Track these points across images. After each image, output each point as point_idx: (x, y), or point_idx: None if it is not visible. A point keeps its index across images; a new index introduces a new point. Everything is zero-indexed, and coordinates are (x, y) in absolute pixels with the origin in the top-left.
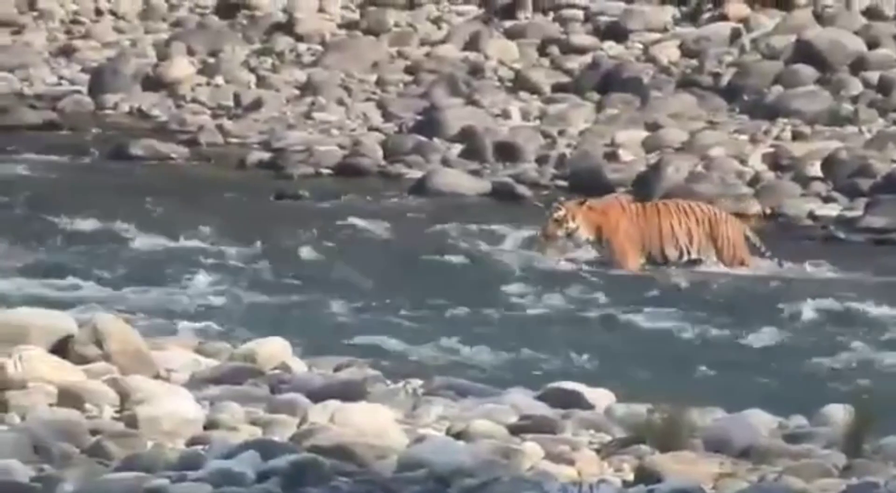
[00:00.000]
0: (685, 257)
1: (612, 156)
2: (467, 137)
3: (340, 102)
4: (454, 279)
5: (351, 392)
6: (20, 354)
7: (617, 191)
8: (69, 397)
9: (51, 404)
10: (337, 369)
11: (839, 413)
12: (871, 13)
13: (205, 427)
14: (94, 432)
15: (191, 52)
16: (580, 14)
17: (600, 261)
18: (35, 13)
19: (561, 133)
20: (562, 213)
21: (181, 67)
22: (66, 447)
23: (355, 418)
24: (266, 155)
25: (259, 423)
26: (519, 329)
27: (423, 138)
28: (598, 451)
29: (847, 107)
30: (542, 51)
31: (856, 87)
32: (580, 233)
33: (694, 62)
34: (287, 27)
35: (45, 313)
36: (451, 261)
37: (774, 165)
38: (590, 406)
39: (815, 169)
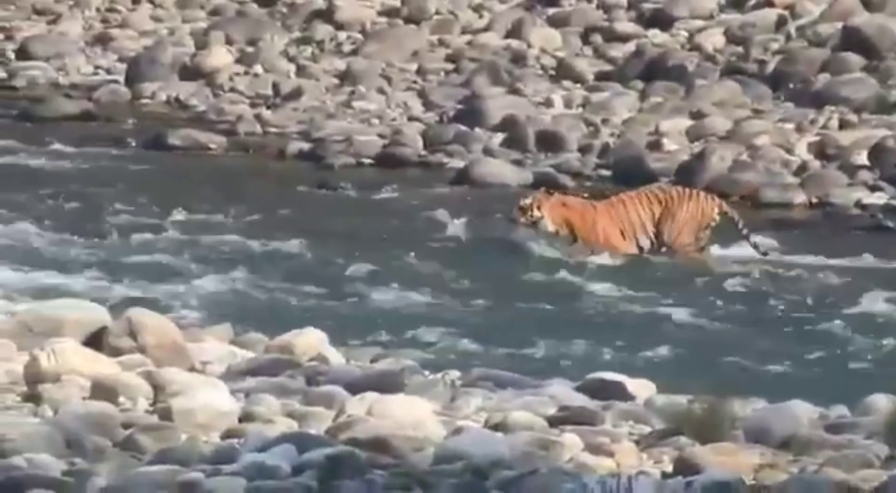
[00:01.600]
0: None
1: (655, 145)
2: (509, 126)
3: (381, 91)
4: (495, 270)
5: (388, 384)
6: (53, 346)
7: (660, 180)
8: (102, 390)
9: (84, 398)
10: (374, 361)
11: (881, 403)
12: None
13: (240, 420)
14: (127, 425)
15: (229, 41)
16: (624, 1)
17: (644, 253)
18: (71, 2)
19: (604, 122)
20: (528, 201)
21: (219, 56)
22: (98, 441)
23: (392, 410)
24: (305, 145)
25: (295, 415)
26: (559, 320)
27: (464, 128)
28: (637, 442)
29: (895, 94)
30: (586, 39)
31: None
32: (545, 223)
33: (739, 50)
34: (327, 15)
35: (80, 304)
36: (491, 252)
37: (821, 154)
38: (630, 397)
39: (862, 158)
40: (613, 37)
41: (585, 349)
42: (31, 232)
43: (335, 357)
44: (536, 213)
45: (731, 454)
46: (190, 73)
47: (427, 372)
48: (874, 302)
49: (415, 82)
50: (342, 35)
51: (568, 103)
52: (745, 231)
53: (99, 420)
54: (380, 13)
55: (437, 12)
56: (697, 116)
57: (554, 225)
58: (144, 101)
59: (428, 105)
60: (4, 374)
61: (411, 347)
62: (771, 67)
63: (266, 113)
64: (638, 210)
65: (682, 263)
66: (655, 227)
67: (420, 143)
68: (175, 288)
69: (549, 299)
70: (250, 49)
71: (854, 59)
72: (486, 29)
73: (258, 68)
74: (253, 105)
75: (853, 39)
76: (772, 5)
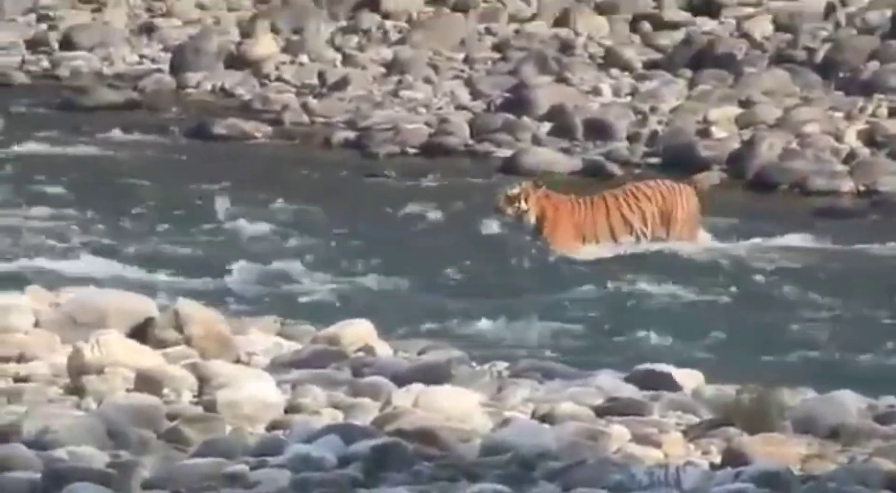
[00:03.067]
0: (642, 241)
1: (704, 133)
2: (557, 114)
3: (427, 80)
4: (542, 260)
5: (435, 375)
6: (97, 338)
7: (710, 168)
8: (147, 382)
9: (128, 390)
10: (421, 352)
11: None
12: None
13: (286, 411)
14: (171, 417)
15: (275, 30)
16: None
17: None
18: None
19: (652, 110)
20: (516, 191)
21: (265, 45)
22: (142, 433)
23: (439, 401)
24: (352, 134)
25: (341, 407)
26: (607, 311)
27: (511, 116)
28: (685, 433)
29: None
30: (634, 27)
31: None
32: (529, 216)
33: (788, 37)
34: (373, 4)
35: (125, 295)
36: (534, 242)
37: (870, 142)
38: (678, 388)
39: None
40: (662, 25)
41: (633, 340)
42: (74, 222)
43: (382, 348)
44: (524, 205)
45: (780, 444)
46: (235, 62)
47: (474, 363)
48: None
49: (462, 71)
50: (389, 24)
51: (616, 92)
52: None
53: (143, 412)
54: (426, 2)
55: (485, 0)
56: (746, 104)
57: (535, 219)
58: (189, 90)
59: (475, 94)
60: (48, 366)
61: (458, 337)
62: (820, 55)
63: (312, 102)
64: (621, 210)
65: (724, 254)
66: (651, 225)
67: (467, 132)
68: (221, 279)
69: (595, 288)
70: (296, 38)
71: None
72: (534, 17)
73: (304, 57)
74: (299, 94)
75: None
76: None
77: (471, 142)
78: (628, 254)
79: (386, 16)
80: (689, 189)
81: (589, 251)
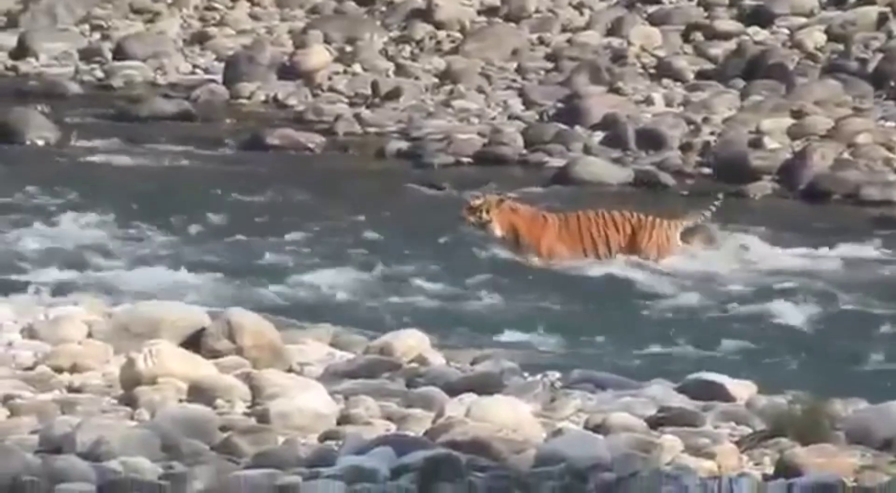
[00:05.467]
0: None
1: (756, 143)
2: (609, 124)
3: (480, 90)
4: (595, 272)
5: (488, 385)
6: (150, 348)
7: (762, 179)
8: (199, 393)
9: (181, 400)
10: (474, 362)
11: None
12: None
13: (338, 422)
14: (224, 428)
15: (328, 40)
16: None
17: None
18: (169, 0)
19: (705, 120)
20: (479, 202)
21: (318, 56)
22: (195, 444)
23: (492, 411)
24: (405, 144)
25: (394, 418)
26: (659, 322)
27: (564, 126)
28: (738, 444)
29: None
30: (686, 37)
31: None
32: (492, 227)
33: (840, 47)
34: (426, 14)
35: (178, 306)
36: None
37: None
38: (731, 398)
39: None
40: (714, 35)
41: (685, 351)
42: (127, 232)
43: (435, 359)
44: (486, 216)
45: (832, 455)
46: (288, 72)
47: (526, 374)
48: None
49: (514, 81)
50: (441, 34)
51: (668, 102)
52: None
53: (196, 423)
54: (479, 12)
55: (537, 11)
56: (798, 114)
57: (501, 230)
58: (242, 100)
59: (528, 104)
60: (101, 376)
61: (511, 348)
62: (872, 66)
63: (365, 112)
64: (591, 230)
65: (778, 264)
66: (617, 251)
67: (520, 141)
68: (274, 289)
69: (648, 299)
70: (349, 48)
71: None
72: (586, 27)
73: (357, 67)
74: (352, 104)
75: None
76: (873, 3)
77: (524, 152)
78: (679, 264)
79: (438, 26)
80: (667, 223)
81: (574, 263)
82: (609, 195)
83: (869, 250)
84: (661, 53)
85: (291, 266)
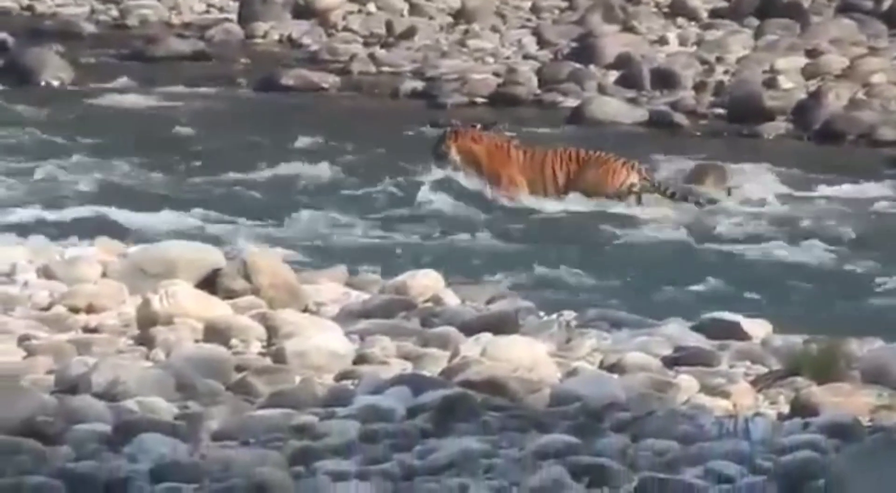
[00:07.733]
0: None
1: (771, 83)
2: (623, 64)
3: (495, 30)
4: (609, 211)
5: (503, 325)
6: (166, 289)
7: (776, 119)
8: (215, 333)
9: (196, 340)
10: (489, 302)
11: None
12: None
13: (354, 362)
14: (240, 368)
15: None
16: None
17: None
18: None
19: (719, 60)
20: (442, 132)
21: None
22: (211, 384)
23: (507, 351)
24: (419, 84)
25: (410, 357)
26: (675, 261)
27: (578, 66)
28: (753, 383)
29: None
30: None
31: None
32: (452, 155)
33: None
34: None
35: (193, 246)
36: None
37: None
38: (746, 337)
39: None
40: None
41: (701, 290)
42: (142, 172)
43: (451, 298)
44: (445, 145)
45: (848, 394)
46: (303, 11)
47: (542, 313)
48: None
49: (529, 20)
50: None
51: (682, 41)
52: (674, 194)
53: (211, 363)
54: None
55: None
56: (813, 54)
57: (461, 160)
58: (257, 40)
59: (542, 43)
60: (117, 317)
61: (526, 287)
62: (887, 5)
63: (379, 52)
64: (554, 166)
65: (793, 204)
66: (565, 186)
67: (534, 81)
68: (290, 229)
69: (663, 239)
70: None
71: None
72: None
73: (371, 7)
74: (366, 44)
75: None
76: None
77: (538, 91)
78: (695, 205)
79: None
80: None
81: (530, 200)
82: (622, 135)
83: (883, 190)
84: None
85: (305, 207)
